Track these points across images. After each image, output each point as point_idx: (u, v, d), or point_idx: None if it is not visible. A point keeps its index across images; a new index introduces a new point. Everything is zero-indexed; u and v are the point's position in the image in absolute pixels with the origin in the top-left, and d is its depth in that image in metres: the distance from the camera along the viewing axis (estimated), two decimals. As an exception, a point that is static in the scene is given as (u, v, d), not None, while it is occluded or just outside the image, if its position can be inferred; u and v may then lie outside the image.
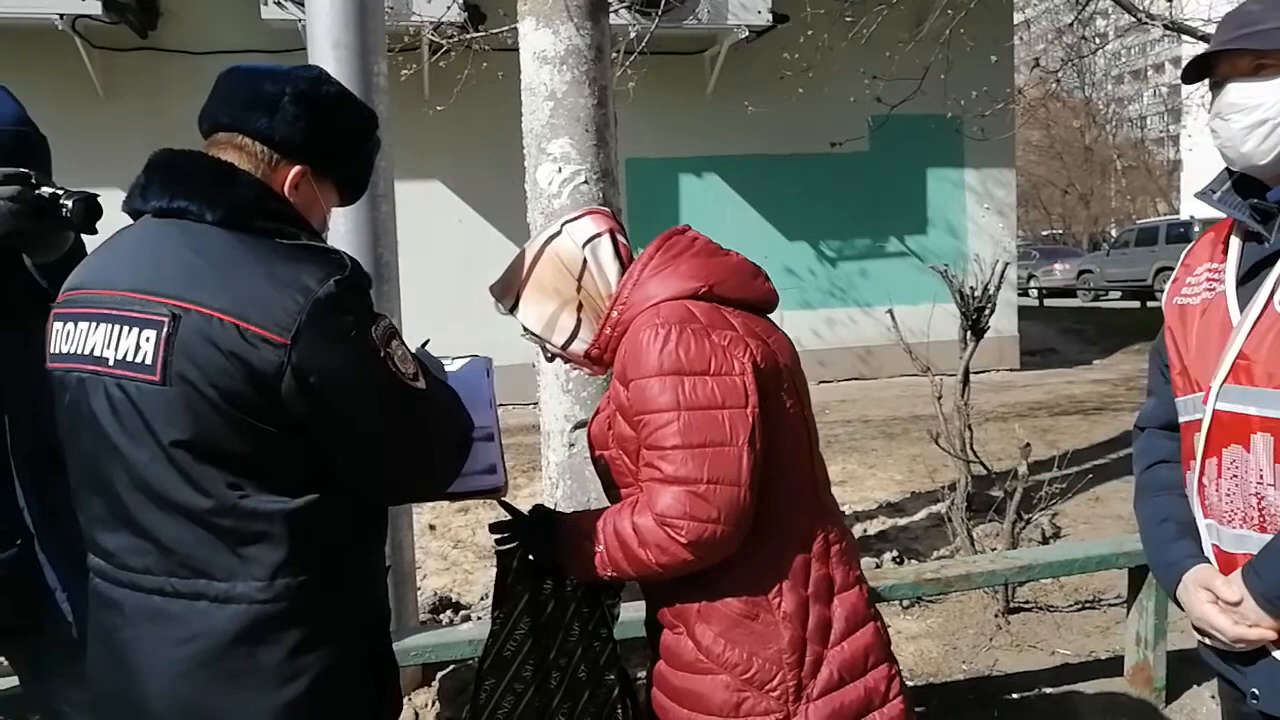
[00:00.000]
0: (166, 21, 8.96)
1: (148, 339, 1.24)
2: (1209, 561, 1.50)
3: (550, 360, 1.66)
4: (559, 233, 1.59)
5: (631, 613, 1.95)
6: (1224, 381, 1.42)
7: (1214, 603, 1.46)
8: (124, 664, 1.31)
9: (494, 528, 1.64)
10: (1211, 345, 1.46)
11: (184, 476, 1.25)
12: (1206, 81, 1.51)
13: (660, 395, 1.40)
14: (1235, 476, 1.43)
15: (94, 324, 1.29)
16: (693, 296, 1.48)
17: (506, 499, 1.65)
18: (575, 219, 1.60)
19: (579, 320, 1.57)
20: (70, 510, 1.39)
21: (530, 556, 1.59)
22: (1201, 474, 1.48)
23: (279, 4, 8.07)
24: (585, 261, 1.56)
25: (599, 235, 1.57)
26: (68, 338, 1.32)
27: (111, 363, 1.27)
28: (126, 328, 1.26)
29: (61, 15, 8.00)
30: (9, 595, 1.73)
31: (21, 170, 1.71)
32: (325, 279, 1.26)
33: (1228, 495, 1.44)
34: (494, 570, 1.66)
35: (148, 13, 8.86)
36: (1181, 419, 1.54)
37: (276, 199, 1.35)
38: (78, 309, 1.33)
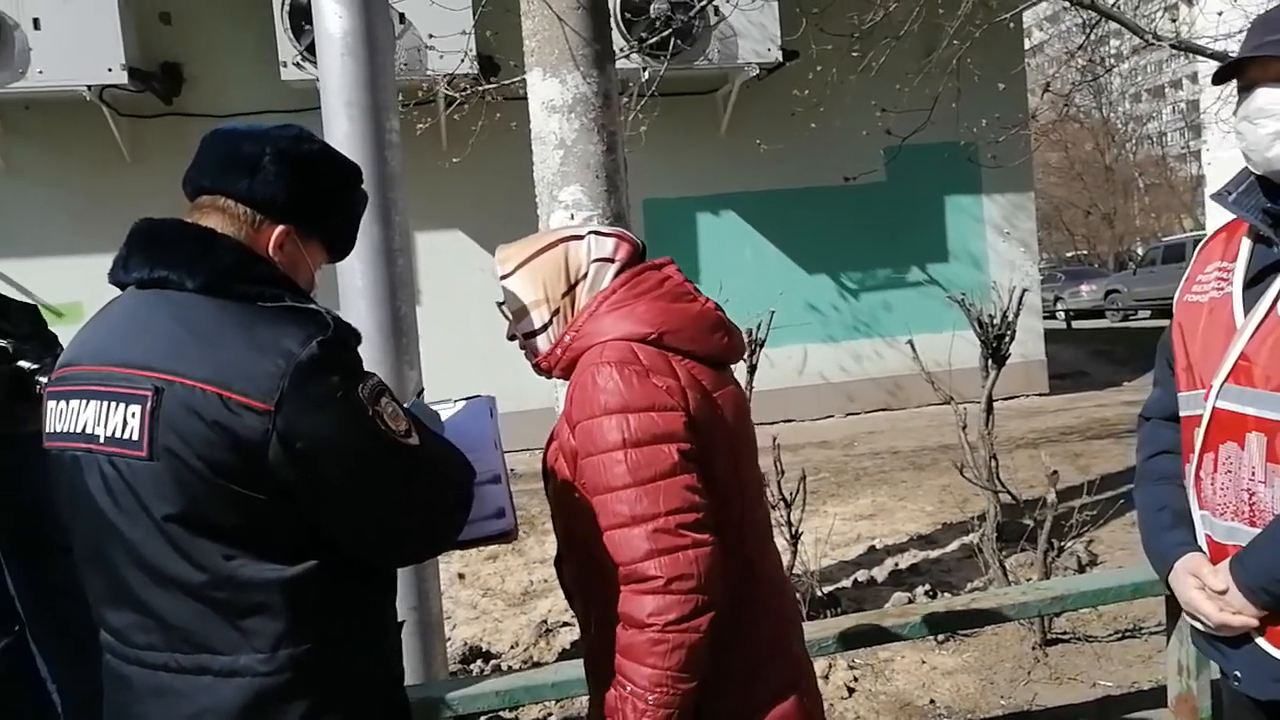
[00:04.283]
0: (190, 87, 9.18)
1: (133, 414, 1.22)
2: (1201, 550, 1.57)
3: (510, 339, 1.61)
4: (582, 237, 1.55)
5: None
6: (1225, 381, 1.48)
7: (1201, 589, 1.53)
8: None
9: None
10: (1216, 344, 1.51)
11: (178, 551, 1.23)
12: (1235, 83, 1.53)
13: (607, 434, 1.37)
14: (1230, 472, 1.49)
15: (85, 401, 1.28)
16: (642, 340, 1.45)
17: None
18: (604, 233, 1.56)
19: (549, 324, 1.53)
20: (66, 589, 1.38)
21: None
22: (1199, 467, 1.54)
23: (298, 65, 8.26)
24: (586, 276, 1.52)
25: (610, 263, 1.53)
26: (61, 416, 1.31)
27: (102, 440, 1.25)
28: (114, 404, 1.24)
29: (89, 87, 8.25)
30: (13, 688, 1.71)
31: (3, 343, 1.71)
32: (307, 340, 1.23)
33: (1222, 489, 1.50)
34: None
35: (172, 80, 9.10)
36: (1183, 413, 1.60)
37: (260, 261, 1.32)
38: (69, 386, 1.31)
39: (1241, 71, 1.50)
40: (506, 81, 6.65)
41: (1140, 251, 28.47)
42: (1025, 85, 10.75)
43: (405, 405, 1.44)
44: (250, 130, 1.38)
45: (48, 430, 1.34)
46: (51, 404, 1.34)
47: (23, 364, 1.73)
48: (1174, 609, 3.15)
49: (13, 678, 1.72)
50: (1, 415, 1.73)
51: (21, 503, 1.73)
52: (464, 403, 1.63)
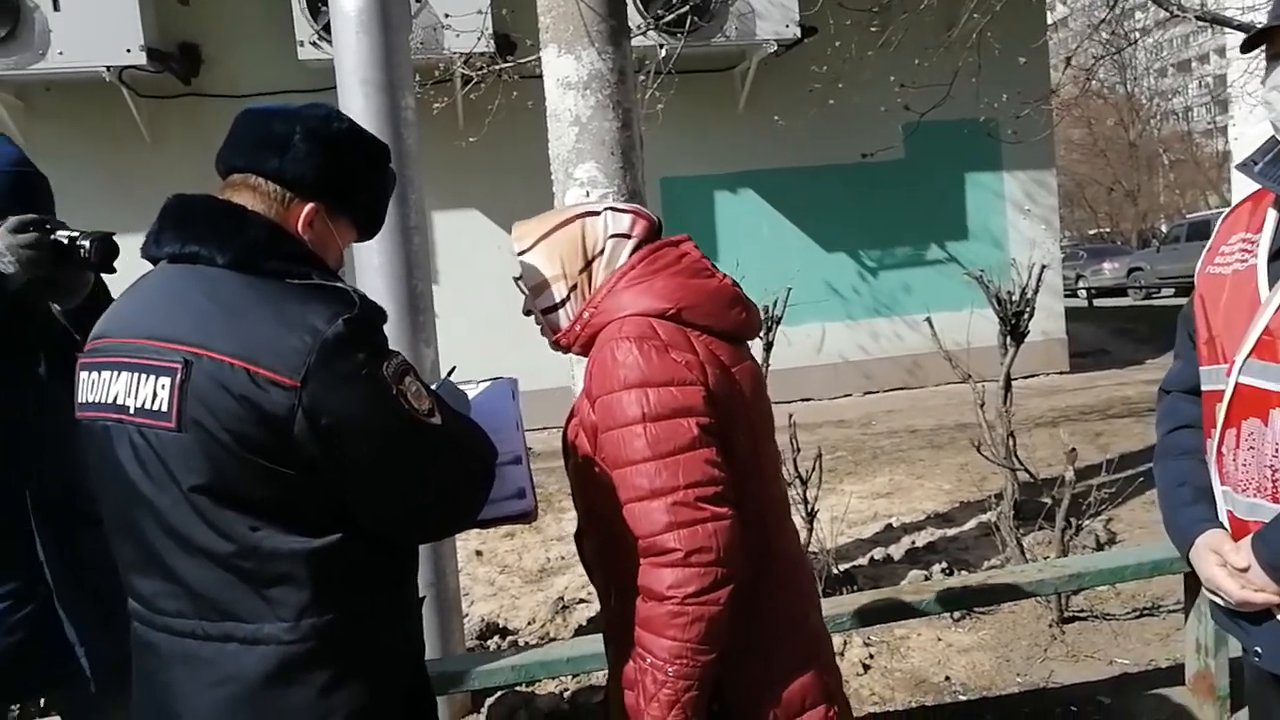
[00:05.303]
0: (208, 68, 9.21)
1: (163, 386, 1.25)
2: (1223, 526, 1.55)
3: (527, 314, 1.63)
4: (599, 213, 1.57)
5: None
6: (1248, 356, 1.45)
7: (1223, 566, 1.52)
8: (163, 707, 1.32)
9: None
10: (1239, 318, 1.48)
11: (205, 521, 1.25)
12: (1264, 50, 1.48)
13: (627, 408, 1.39)
14: (1253, 448, 1.47)
15: (116, 372, 1.30)
16: (660, 316, 1.47)
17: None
18: (620, 210, 1.58)
19: (566, 300, 1.55)
20: (98, 562, 1.40)
21: None
22: (1220, 443, 1.53)
23: (315, 44, 8.26)
24: (603, 252, 1.54)
25: (627, 238, 1.55)
26: (93, 387, 1.34)
27: (133, 410, 1.27)
28: (145, 375, 1.27)
29: (109, 68, 8.28)
30: (34, 653, 1.75)
31: (35, 215, 1.73)
32: (333, 318, 1.25)
33: (1244, 465, 1.48)
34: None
35: (190, 61, 9.14)
36: (1205, 387, 1.58)
37: (289, 238, 1.35)
38: (101, 358, 1.34)
39: (1270, 40, 1.45)
40: (523, 60, 6.64)
41: (1164, 229, 28.15)
42: (1047, 60, 10.61)
43: (433, 386, 1.46)
44: (281, 110, 1.40)
45: (79, 400, 1.37)
46: (84, 375, 1.36)
47: (61, 234, 1.74)
48: (1192, 587, 3.14)
49: (36, 643, 1.75)
50: (61, 285, 1.76)
51: (56, 472, 1.76)
52: (487, 383, 1.65)
